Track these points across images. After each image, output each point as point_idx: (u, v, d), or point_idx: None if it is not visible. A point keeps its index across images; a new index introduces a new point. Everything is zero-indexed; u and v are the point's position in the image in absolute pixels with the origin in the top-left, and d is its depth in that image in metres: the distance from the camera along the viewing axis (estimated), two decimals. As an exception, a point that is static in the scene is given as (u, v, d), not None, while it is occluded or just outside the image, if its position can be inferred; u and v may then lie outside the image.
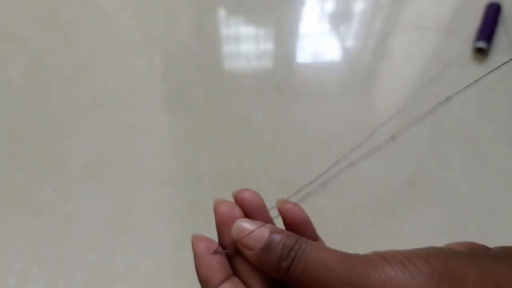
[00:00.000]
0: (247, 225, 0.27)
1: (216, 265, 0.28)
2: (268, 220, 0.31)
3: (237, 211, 0.29)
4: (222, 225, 0.29)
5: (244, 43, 1.01)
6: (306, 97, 0.91)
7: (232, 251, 0.29)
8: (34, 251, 0.74)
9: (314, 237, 0.31)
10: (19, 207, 0.78)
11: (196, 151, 0.84)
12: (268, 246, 0.26)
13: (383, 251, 0.25)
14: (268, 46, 1.01)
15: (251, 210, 0.30)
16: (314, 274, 0.24)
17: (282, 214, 0.30)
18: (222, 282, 0.28)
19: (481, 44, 0.95)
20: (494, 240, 0.35)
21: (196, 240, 0.30)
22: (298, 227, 0.30)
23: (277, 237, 0.26)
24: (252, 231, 0.27)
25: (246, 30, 1.03)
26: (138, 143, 0.85)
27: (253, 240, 0.27)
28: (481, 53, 0.96)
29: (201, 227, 0.77)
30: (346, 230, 0.74)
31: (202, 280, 0.28)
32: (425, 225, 0.78)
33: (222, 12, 1.07)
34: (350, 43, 1.02)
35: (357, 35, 1.04)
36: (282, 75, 0.96)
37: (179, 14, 1.06)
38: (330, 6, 1.10)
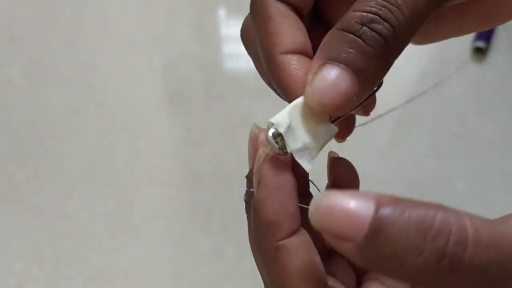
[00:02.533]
0: (333, 198, 0.15)
1: (292, 206, 0.18)
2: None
3: (293, 178, 0.19)
4: (273, 190, 0.19)
5: (244, 43, 1.01)
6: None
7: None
8: (34, 251, 0.74)
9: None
10: (19, 207, 0.78)
11: (196, 151, 0.84)
12: (377, 229, 0.14)
13: None
14: (268, 46, 1.01)
15: None
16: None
17: (334, 172, 0.22)
18: (291, 233, 0.18)
19: (480, 44, 0.95)
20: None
21: (270, 160, 0.19)
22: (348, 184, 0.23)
23: (393, 211, 0.15)
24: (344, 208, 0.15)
25: (246, 30, 1.03)
26: (138, 143, 0.85)
27: (348, 221, 0.15)
28: (480, 52, 0.96)
29: (201, 227, 0.78)
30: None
31: (266, 224, 0.19)
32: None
33: (222, 12, 1.07)
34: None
35: (357, 35, 1.04)
36: (282, 75, 0.95)
37: (179, 14, 1.06)
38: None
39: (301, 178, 0.21)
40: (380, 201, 0.15)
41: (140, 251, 0.74)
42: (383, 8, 0.18)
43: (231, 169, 0.81)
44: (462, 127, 0.88)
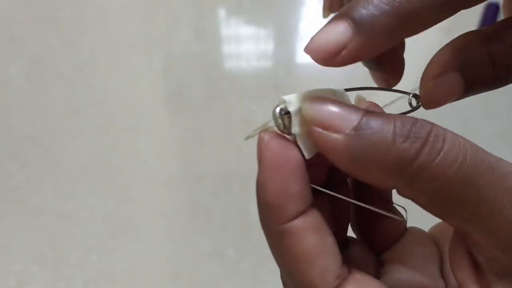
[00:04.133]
0: (326, 100, 0.17)
1: (296, 186, 0.17)
2: None
3: (297, 155, 0.17)
4: (274, 171, 0.17)
5: (244, 43, 1.01)
6: (306, 97, 0.91)
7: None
8: (34, 251, 0.74)
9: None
10: (19, 207, 0.78)
11: (196, 151, 0.84)
12: (367, 121, 0.16)
13: None
14: (268, 46, 1.01)
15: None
16: (477, 183, 0.15)
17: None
18: (296, 216, 0.17)
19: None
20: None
21: (269, 137, 0.17)
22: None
23: (378, 114, 0.16)
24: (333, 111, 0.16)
25: (246, 30, 1.03)
26: (138, 143, 0.85)
27: (339, 115, 0.16)
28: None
29: (201, 227, 0.78)
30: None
31: (269, 206, 0.17)
32: (425, 225, 0.78)
33: (222, 12, 1.07)
34: (350, 43, 1.02)
35: (357, 35, 1.04)
36: (282, 75, 0.96)
37: (180, 14, 1.06)
38: (330, 6, 1.10)
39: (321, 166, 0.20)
40: (365, 112, 0.16)
41: (140, 251, 0.74)
42: None
43: (231, 169, 0.81)
44: (462, 127, 0.88)
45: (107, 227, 0.76)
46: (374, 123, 0.15)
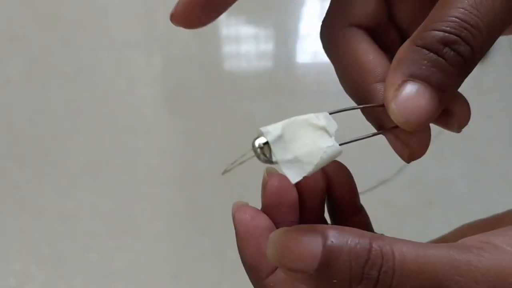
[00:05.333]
0: (286, 236, 0.18)
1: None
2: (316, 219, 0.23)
3: (262, 220, 0.21)
4: (245, 239, 0.21)
5: (244, 43, 1.01)
6: (306, 97, 0.91)
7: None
8: (34, 251, 0.74)
9: (357, 208, 0.24)
10: (19, 207, 0.78)
11: (196, 151, 0.84)
12: (326, 263, 0.17)
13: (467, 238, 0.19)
14: (268, 46, 1.01)
15: (283, 210, 0.22)
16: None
17: (329, 178, 0.23)
18: (272, 271, 0.20)
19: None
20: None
21: (238, 212, 0.22)
22: (344, 195, 0.23)
23: (337, 245, 0.17)
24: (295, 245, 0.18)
25: (246, 30, 1.03)
26: (138, 143, 0.85)
27: (300, 258, 0.17)
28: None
29: (201, 227, 0.78)
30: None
31: (248, 267, 0.21)
32: (425, 225, 0.78)
33: (222, 12, 1.07)
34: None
35: (357, 35, 1.04)
36: (282, 75, 0.96)
37: (179, 14, 1.06)
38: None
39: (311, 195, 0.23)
40: (325, 236, 0.17)
41: (140, 251, 0.74)
42: (465, 31, 0.19)
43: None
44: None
45: (107, 227, 0.76)
46: (333, 263, 0.17)
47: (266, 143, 0.19)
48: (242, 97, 0.91)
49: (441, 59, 0.19)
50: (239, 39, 1.02)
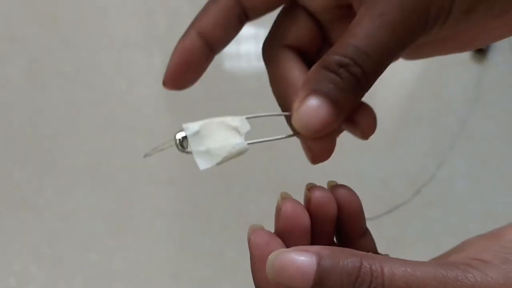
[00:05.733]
0: (283, 257, 0.20)
1: None
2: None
3: (277, 245, 0.23)
4: (259, 262, 0.23)
5: (244, 43, 1.01)
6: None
7: None
8: (34, 251, 0.74)
9: (363, 231, 0.26)
10: (19, 207, 0.78)
11: (196, 151, 0.84)
12: (320, 281, 0.19)
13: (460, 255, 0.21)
14: (268, 46, 1.01)
15: (295, 234, 0.23)
16: None
17: (339, 204, 0.25)
18: None
19: (481, 44, 0.95)
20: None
21: (254, 235, 0.23)
22: (352, 220, 0.25)
23: (330, 264, 0.19)
24: (291, 264, 0.20)
25: (246, 30, 1.03)
26: (138, 143, 0.85)
27: (296, 277, 0.19)
28: (480, 52, 0.96)
29: (201, 227, 0.78)
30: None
31: None
32: (425, 225, 0.78)
33: (222, 12, 1.07)
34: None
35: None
36: (282, 75, 0.95)
37: (179, 14, 1.06)
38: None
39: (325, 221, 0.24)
40: (319, 256, 0.19)
41: (140, 251, 0.74)
42: (357, 56, 0.22)
43: (231, 169, 0.81)
44: (462, 127, 0.88)
45: (107, 227, 0.76)
46: (326, 281, 0.19)
47: (185, 137, 0.24)
48: (242, 97, 0.92)
49: (337, 78, 0.23)
50: (239, 39, 1.02)
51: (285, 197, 0.24)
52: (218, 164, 0.23)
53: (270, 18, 0.30)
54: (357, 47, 0.22)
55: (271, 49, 0.29)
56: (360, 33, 0.23)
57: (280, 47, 0.28)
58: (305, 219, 0.23)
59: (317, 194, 0.24)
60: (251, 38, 1.02)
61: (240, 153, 0.24)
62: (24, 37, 0.99)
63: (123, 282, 0.72)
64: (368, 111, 0.28)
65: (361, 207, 0.25)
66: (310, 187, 0.24)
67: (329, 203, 0.24)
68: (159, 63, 0.97)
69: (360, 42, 0.23)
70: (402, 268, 0.18)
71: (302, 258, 0.19)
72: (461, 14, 0.23)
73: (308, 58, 0.28)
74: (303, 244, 0.23)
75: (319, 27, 0.28)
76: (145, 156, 0.26)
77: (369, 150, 0.84)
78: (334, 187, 0.25)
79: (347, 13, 0.27)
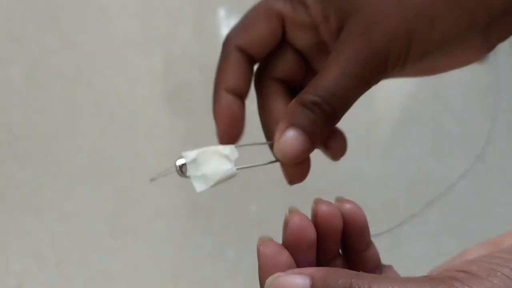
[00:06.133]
0: (279, 281, 0.21)
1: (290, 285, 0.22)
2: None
3: (284, 257, 0.24)
4: (267, 272, 0.24)
5: (244, 43, 1.01)
6: (306, 97, 0.91)
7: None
8: (34, 251, 0.74)
9: (368, 244, 0.27)
10: (19, 207, 0.78)
11: (196, 151, 0.84)
12: None
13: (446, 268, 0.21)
14: (268, 46, 1.01)
15: (301, 248, 0.24)
16: None
17: (343, 215, 0.26)
18: None
19: (481, 44, 0.95)
20: (494, 240, 0.35)
21: (263, 246, 0.24)
22: (357, 234, 0.26)
23: (322, 286, 0.20)
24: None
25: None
26: (138, 143, 0.85)
27: None
28: (481, 53, 0.96)
29: (201, 227, 0.78)
30: (346, 230, 0.74)
31: None
32: (425, 225, 0.78)
33: (222, 12, 1.07)
34: (350, 43, 1.02)
35: (357, 35, 1.04)
36: (282, 75, 0.95)
37: (179, 14, 1.06)
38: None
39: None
40: (313, 277, 0.20)
41: (140, 251, 0.74)
42: (328, 95, 0.27)
43: (231, 169, 0.81)
44: (462, 127, 0.88)
45: (107, 227, 0.76)
46: None
47: (184, 164, 0.29)
48: (242, 97, 0.91)
49: (312, 113, 0.27)
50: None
51: (292, 210, 0.25)
52: (212, 186, 0.28)
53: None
54: (327, 89, 0.27)
55: (260, 81, 0.34)
56: (329, 76, 0.27)
57: (268, 79, 0.33)
58: (311, 232, 0.24)
59: (323, 209, 0.25)
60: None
61: (230, 176, 0.30)
62: (24, 37, 0.99)
63: (123, 282, 0.72)
64: (338, 136, 0.32)
65: (366, 221, 0.27)
66: (317, 201, 0.26)
67: (335, 217, 0.25)
68: (159, 63, 0.97)
69: (329, 84, 0.27)
70: (390, 287, 0.19)
71: (296, 281, 0.21)
72: (417, 58, 0.27)
73: (293, 85, 0.33)
74: (310, 256, 0.24)
75: (304, 59, 0.33)
76: (151, 180, 0.32)
77: (369, 150, 0.84)
78: (340, 201, 0.27)
79: (327, 47, 0.31)
